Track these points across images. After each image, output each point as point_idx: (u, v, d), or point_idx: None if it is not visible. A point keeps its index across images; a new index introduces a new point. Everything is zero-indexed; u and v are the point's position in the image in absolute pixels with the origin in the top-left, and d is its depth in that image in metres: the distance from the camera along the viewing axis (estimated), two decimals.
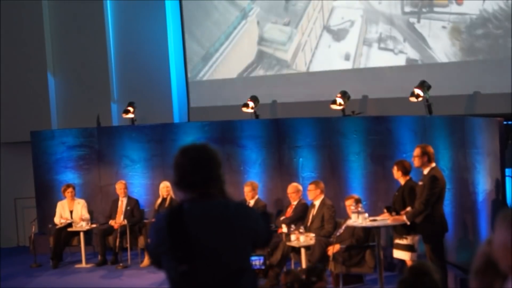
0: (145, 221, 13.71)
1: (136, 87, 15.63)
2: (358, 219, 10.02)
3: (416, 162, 9.62)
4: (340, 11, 14.53)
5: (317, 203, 11.29)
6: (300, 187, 11.96)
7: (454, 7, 13.41)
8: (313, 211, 11.31)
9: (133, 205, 13.74)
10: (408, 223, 9.52)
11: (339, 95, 12.87)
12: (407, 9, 13.87)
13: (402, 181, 10.02)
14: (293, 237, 10.96)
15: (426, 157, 9.51)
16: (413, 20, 13.74)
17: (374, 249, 10.27)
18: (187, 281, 3.95)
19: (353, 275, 10.89)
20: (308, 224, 11.26)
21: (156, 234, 4.07)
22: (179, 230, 3.96)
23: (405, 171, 9.99)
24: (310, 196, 11.42)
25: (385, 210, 10.05)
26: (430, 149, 9.56)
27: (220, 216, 4.03)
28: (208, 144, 4.20)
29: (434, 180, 9.38)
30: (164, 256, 4.02)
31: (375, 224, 9.94)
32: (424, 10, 13.70)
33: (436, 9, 13.70)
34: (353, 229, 10.56)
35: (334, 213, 11.19)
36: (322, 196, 11.31)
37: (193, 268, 3.93)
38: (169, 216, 4.03)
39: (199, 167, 4.04)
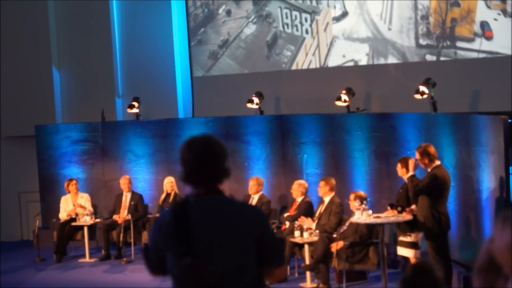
0: (149, 216, 13.72)
1: (141, 82, 15.63)
2: (361, 216, 10.03)
3: (421, 165, 9.62)
4: (341, 45, 13.98)
5: (326, 200, 11.27)
6: (306, 184, 11.95)
7: (484, 43, 12.50)
8: (322, 208, 11.30)
9: (137, 200, 13.75)
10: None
11: (344, 92, 12.86)
12: (423, 41, 13.14)
13: (406, 178, 10.02)
14: (296, 233, 10.98)
15: (427, 157, 9.51)
16: (431, 57, 13.11)
17: (378, 246, 10.27)
18: (190, 275, 3.96)
19: (357, 271, 10.89)
20: (316, 220, 11.25)
21: (160, 228, 4.07)
22: (184, 224, 3.96)
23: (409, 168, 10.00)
24: (319, 192, 11.40)
25: (389, 207, 10.05)
26: (430, 149, 9.53)
27: (224, 212, 4.04)
28: (213, 136, 4.18)
29: (433, 177, 9.39)
30: (168, 252, 4.03)
31: (378, 221, 9.94)
32: (444, 44, 12.92)
33: (459, 43, 12.81)
34: (356, 226, 10.55)
35: (342, 210, 11.17)
36: (332, 194, 11.26)
37: (196, 263, 3.94)
38: (174, 210, 4.04)
39: (205, 163, 4.03)
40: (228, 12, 15.27)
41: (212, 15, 15.37)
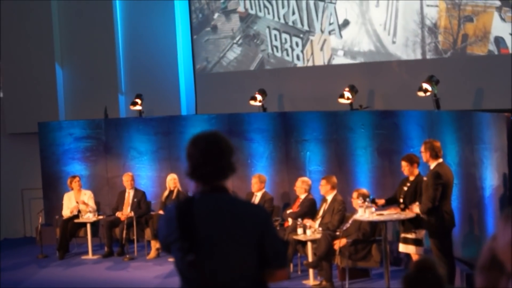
0: (152, 213, 13.72)
1: (144, 79, 15.63)
2: (364, 214, 10.02)
3: (423, 158, 9.65)
4: (340, 60, 13.79)
5: (329, 198, 11.27)
6: (309, 182, 11.94)
7: None
8: (325, 206, 11.29)
9: (140, 197, 13.75)
10: (422, 215, 9.52)
11: (347, 89, 12.84)
12: (430, 55, 12.87)
13: (412, 176, 10.02)
14: (299, 230, 10.98)
15: (430, 152, 9.50)
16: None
17: (380, 243, 10.27)
18: (194, 271, 3.97)
19: (359, 269, 10.90)
20: (319, 218, 11.25)
21: (166, 223, 4.09)
22: (188, 221, 3.99)
23: (417, 164, 10.02)
24: (321, 191, 11.41)
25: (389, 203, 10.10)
26: (436, 144, 9.55)
27: (228, 210, 4.05)
28: (219, 132, 4.17)
29: (436, 176, 9.38)
30: (173, 247, 4.04)
31: (381, 218, 9.93)
32: (454, 58, 12.62)
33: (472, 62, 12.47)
34: (359, 223, 10.56)
35: (344, 208, 11.17)
36: (334, 192, 11.26)
37: (199, 259, 3.95)
38: (179, 206, 4.07)
39: (211, 158, 4.04)
40: (214, 28, 15.17)
41: (207, 21, 15.32)
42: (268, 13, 14.41)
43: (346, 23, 13.75)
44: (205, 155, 4.04)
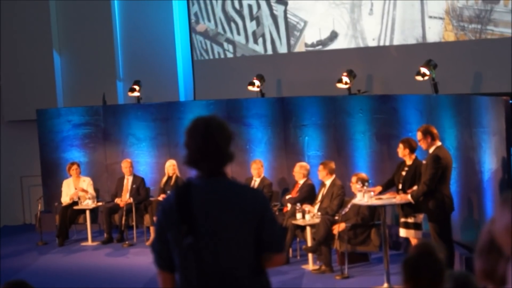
0: (151, 199, 13.73)
1: (142, 66, 15.60)
2: (363, 198, 10.03)
3: (423, 146, 9.59)
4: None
5: (327, 183, 11.27)
6: (308, 166, 11.94)
7: None
8: (323, 191, 11.30)
9: (139, 183, 13.75)
10: (413, 202, 9.51)
11: (345, 74, 12.83)
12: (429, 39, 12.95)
13: (408, 159, 10.00)
14: (298, 215, 11.00)
15: (429, 137, 9.48)
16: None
17: (380, 227, 10.28)
18: (193, 254, 4.00)
19: (359, 253, 10.92)
20: (318, 203, 11.26)
21: (164, 210, 4.11)
22: (186, 205, 4.00)
23: (412, 149, 9.98)
24: (319, 176, 11.42)
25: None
26: (432, 129, 9.52)
27: (227, 194, 4.06)
28: (216, 120, 4.12)
29: (436, 159, 9.37)
30: (170, 233, 4.05)
31: (380, 202, 9.94)
32: (452, 42, 12.68)
33: None
34: (358, 208, 10.56)
35: (343, 193, 11.17)
36: (332, 177, 11.26)
37: (198, 242, 3.97)
38: (178, 191, 4.08)
39: (208, 155, 4.04)
40: None
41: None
42: None
43: (334, 35, 13.61)
44: (202, 150, 4.04)
